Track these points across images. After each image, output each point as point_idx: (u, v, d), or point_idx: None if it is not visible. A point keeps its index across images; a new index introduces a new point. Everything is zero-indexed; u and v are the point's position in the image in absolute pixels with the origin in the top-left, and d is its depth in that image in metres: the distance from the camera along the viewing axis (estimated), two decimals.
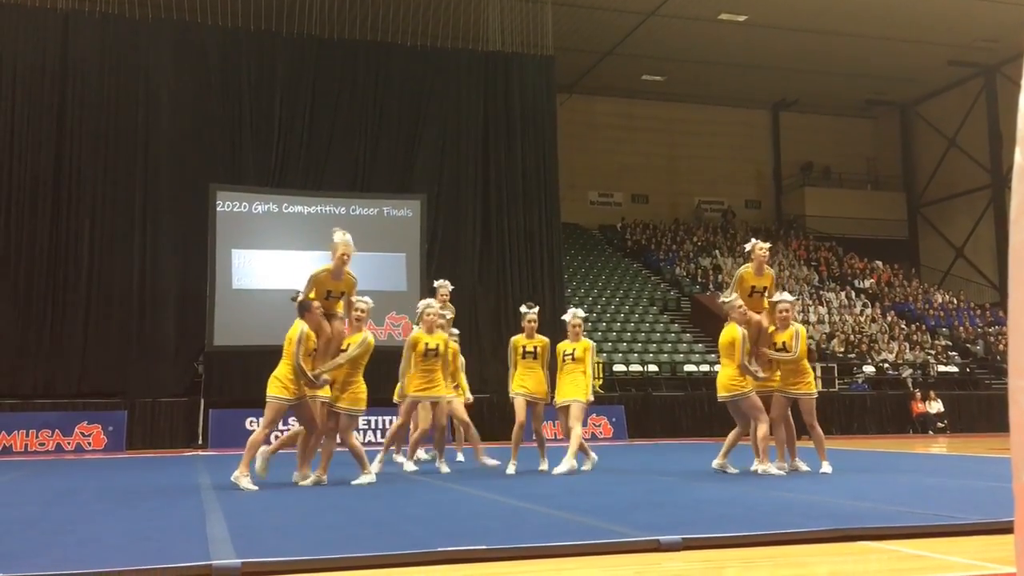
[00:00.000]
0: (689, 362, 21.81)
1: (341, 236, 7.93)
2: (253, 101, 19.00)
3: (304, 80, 19.38)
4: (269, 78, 19.18)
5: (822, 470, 8.32)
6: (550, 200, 20.78)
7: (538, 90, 21.08)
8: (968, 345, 25.21)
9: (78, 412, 16.17)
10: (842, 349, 23.47)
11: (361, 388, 7.78)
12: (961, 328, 26.21)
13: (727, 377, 8.24)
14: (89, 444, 15.84)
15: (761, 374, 8.35)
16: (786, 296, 8.60)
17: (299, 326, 7.47)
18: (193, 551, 4.00)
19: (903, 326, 25.76)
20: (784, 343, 8.38)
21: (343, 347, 7.80)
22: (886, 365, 23.11)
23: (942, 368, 23.26)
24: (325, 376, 7.65)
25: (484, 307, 19.63)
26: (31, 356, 17.00)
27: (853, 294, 27.81)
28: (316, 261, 18.08)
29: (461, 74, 20.54)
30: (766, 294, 8.80)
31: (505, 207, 20.28)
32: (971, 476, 8.30)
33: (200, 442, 16.50)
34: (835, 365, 21.91)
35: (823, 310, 26.08)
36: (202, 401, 16.97)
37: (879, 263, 30.33)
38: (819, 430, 8.44)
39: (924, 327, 25.97)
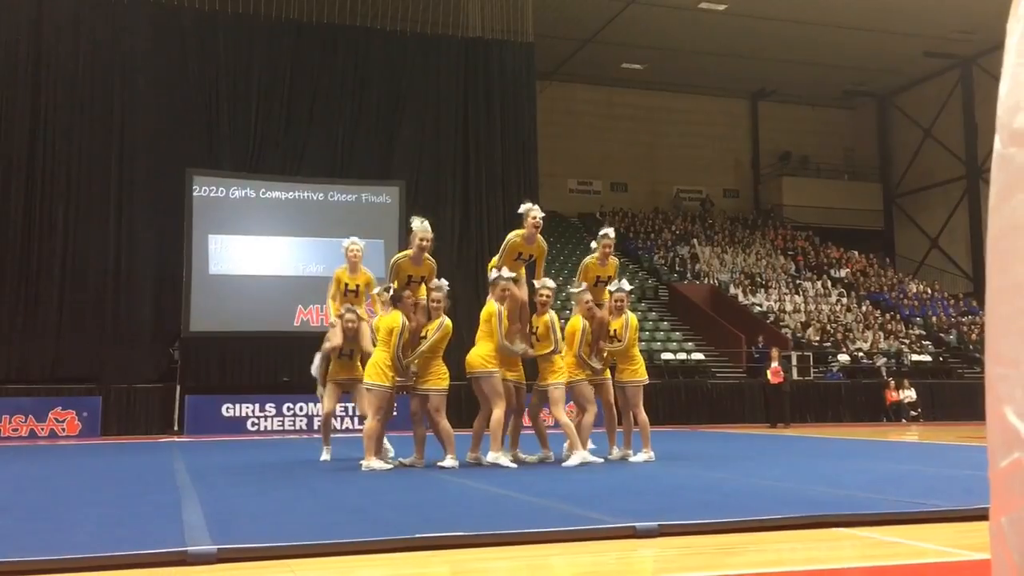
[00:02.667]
0: (667, 350, 21.89)
1: (419, 223, 8.15)
2: (230, 85, 18.79)
3: (282, 64, 19.20)
4: (247, 62, 18.99)
5: (645, 458, 8.34)
6: (529, 187, 20.67)
7: (518, 77, 21.02)
8: (942, 334, 25.47)
9: (52, 398, 16.02)
10: (817, 338, 23.64)
11: (443, 369, 7.93)
12: (935, 318, 26.47)
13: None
14: (63, 430, 15.70)
15: (598, 366, 8.47)
16: (624, 285, 8.72)
17: (398, 317, 7.65)
18: (168, 537, 3.97)
19: (878, 315, 25.98)
20: (616, 331, 8.53)
21: (422, 334, 7.91)
22: (861, 354, 23.31)
23: (916, 357, 23.49)
24: (413, 367, 7.82)
25: (463, 294, 19.55)
26: (4, 341, 16.79)
27: (829, 283, 28.00)
28: (293, 247, 18.25)
29: (441, 60, 20.42)
30: (609, 284, 8.80)
31: (484, 194, 20.22)
32: (944, 464, 8.40)
33: (176, 428, 16.40)
34: (810, 354, 22.07)
35: (799, 299, 26.25)
36: (178, 387, 16.85)
37: (855, 253, 30.54)
38: (644, 417, 8.54)
39: (899, 316, 26.21)
